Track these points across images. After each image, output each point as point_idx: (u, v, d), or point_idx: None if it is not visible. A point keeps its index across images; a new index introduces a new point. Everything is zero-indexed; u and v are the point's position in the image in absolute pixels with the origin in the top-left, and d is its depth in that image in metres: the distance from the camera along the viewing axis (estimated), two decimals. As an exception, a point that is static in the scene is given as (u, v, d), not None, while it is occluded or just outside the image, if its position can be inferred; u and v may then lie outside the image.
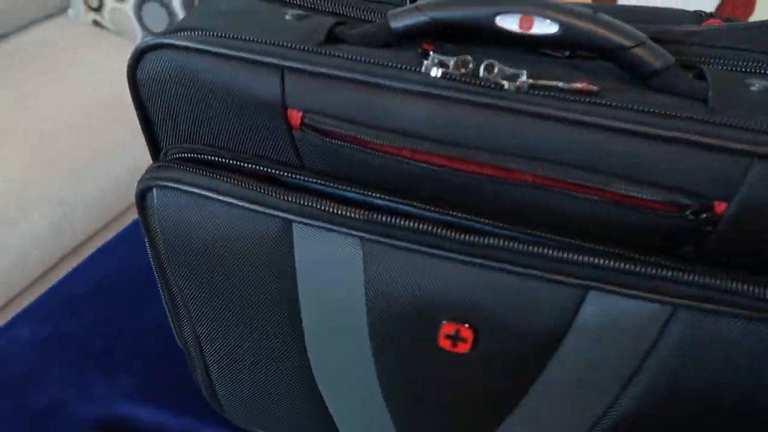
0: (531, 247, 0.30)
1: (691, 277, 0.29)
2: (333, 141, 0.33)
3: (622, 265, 0.29)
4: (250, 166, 0.36)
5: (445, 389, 0.35)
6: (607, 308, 0.29)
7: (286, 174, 0.36)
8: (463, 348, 0.32)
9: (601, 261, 0.30)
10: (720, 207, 0.29)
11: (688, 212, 0.29)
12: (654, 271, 0.29)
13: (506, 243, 0.30)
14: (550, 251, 0.30)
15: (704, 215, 0.29)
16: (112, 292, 0.65)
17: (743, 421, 0.31)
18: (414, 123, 0.32)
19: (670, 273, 0.29)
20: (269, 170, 0.36)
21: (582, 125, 0.30)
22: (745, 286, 0.28)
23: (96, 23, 1.60)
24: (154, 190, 0.36)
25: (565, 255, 0.30)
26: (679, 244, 0.31)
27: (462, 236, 0.31)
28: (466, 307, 0.32)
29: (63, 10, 1.64)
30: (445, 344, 0.33)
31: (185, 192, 0.35)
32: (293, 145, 0.35)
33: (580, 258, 0.30)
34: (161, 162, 0.37)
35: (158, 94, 0.36)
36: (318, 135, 0.33)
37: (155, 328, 0.62)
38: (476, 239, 0.31)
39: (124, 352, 0.60)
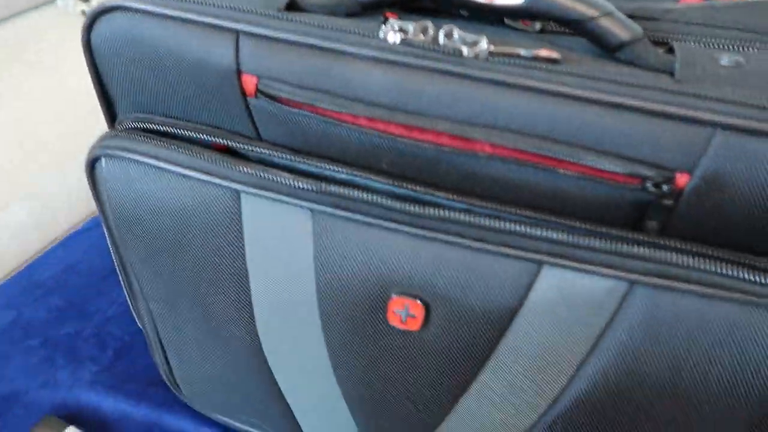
0: (483, 220, 0.29)
1: (647, 252, 0.28)
2: (288, 108, 0.32)
3: (576, 239, 0.28)
4: (204, 137, 0.35)
5: (397, 369, 0.34)
6: (562, 284, 0.28)
7: (241, 145, 0.35)
8: (414, 325, 0.31)
9: (555, 235, 0.28)
10: (682, 179, 0.28)
11: (648, 184, 0.28)
12: (609, 245, 0.28)
13: (458, 215, 0.29)
14: (503, 224, 0.29)
15: (665, 187, 0.28)
16: (79, 279, 0.64)
17: (699, 405, 0.30)
18: (371, 90, 0.31)
19: (625, 247, 0.28)
20: (224, 141, 0.35)
21: (542, 93, 0.29)
22: (705, 263, 0.27)
23: (85, 14, 1.59)
24: (103, 159, 0.34)
25: (518, 228, 0.29)
26: (642, 218, 0.30)
27: (413, 208, 0.30)
28: (416, 282, 0.30)
29: (51, 0, 1.63)
30: (395, 321, 0.32)
31: (134, 161, 0.34)
32: (248, 113, 0.34)
33: (533, 231, 0.29)
34: (114, 131, 0.36)
35: (112, 60, 0.35)
36: (272, 102, 0.32)
37: (121, 315, 0.60)
38: (427, 211, 0.30)
39: (90, 339, 0.59)
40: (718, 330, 0.28)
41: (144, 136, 0.34)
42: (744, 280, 0.27)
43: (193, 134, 0.35)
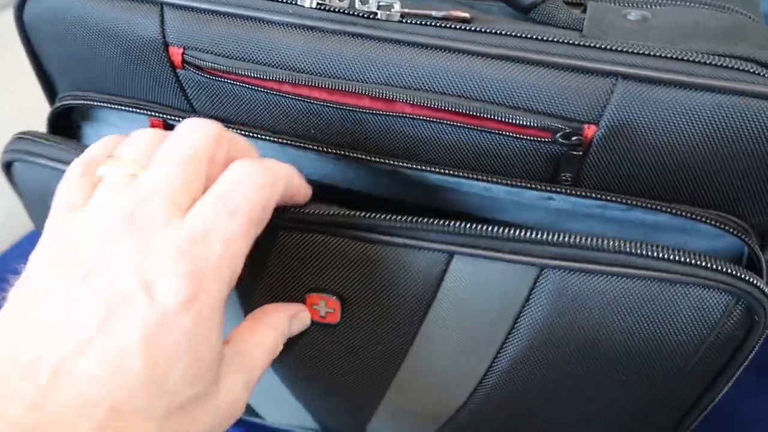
0: (391, 220, 0.29)
1: (553, 238, 0.28)
2: (214, 79, 0.33)
3: (483, 230, 0.29)
4: (139, 111, 0.36)
5: (327, 361, 0.35)
6: (473, 272, 0.29)
7: (176, 119, 0.36)
8: (333, 318, 0.32)
9: (463, 228, 0.29)
10: (590, 130, 0.30)
11: (558, 136, 0.30)
12: (516, 234, 0.28)
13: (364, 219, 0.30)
14: (411, 222, 0.29)
15: (575, 139, 0.30)
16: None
17: (617, 382, 0.31)
18: (292, 56, 0.32)
19: (531, 235, 0.28)
20: (159, 115, 0.36)
21: (454, 52, 0.30)
22: (612, 243, 0.28)
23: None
24: (16, 163, 0.35)
25: (425, 224, 0.29)
26: (556, 171, 0.32)
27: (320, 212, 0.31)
28: (330, 277, 0.31)
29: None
30: (315, 316, 0.32)
31: (46, 167, 0.34)
32: (179, 85, 0.35)
33: (441, 227, 0.29)
34: (21, 135, 0.36)
35: (45, 37, 0.36)
36: (199, 73, 0.33)
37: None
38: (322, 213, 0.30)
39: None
40: (629, 307, 0.29)
41: (50, 141, 0.34)
42: (651, 257, 0.28)
43: (127, 109, 0.36)
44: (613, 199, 0.31)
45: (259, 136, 0.34)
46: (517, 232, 0.29)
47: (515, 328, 0.31)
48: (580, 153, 0.30)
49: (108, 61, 0.35)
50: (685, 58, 0.28)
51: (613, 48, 0.29)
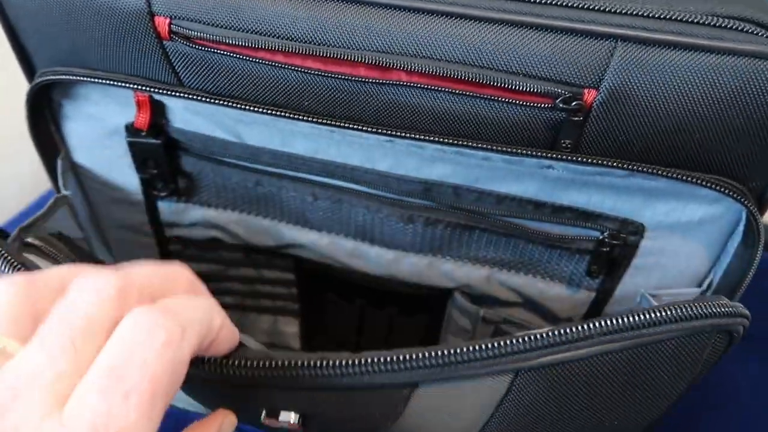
0: (341, 366, 0.27)
1: (526, 343, 0.26)
2: (203, 49, 0.32)
3: (446, 357, 0.26)
4: (124, 85, 0.35)
5: None
6: (442, 393, 0.28)
7: (162, 92, 0.34)
8: (295, 428, 0.30)
9: (425, 359, 0.26)
10: (590, 95, 0.29)
11: (558, 101, 0.29)
12: (480, 349, 0.26)
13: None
14: (364, 365, 0.27)
15: (575, 104, 0.29)
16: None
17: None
18: (284, 24, 0.31)
19: (494, 345, 0.26)
20: (145, 89, 0.34)
21: (450, 16, 0.29)
22: (597, 327, 0.26)
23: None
24: None
25: (382, 363, 0.27)
26: (556, 138, 0.31)
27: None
28: (284, 405, 0.29)
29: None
30: (274, 424, 0.29)
31: None
32: (166, 58, 0.33)
33: (402, 362, 0.27)
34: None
35: (24, 10, 0.34)
36: (187, 43, 0.32)
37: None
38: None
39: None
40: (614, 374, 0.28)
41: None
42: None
43: (111, 83, 0.35)
44: (615, 164, 0.30)
45: (249, 108, 0.33)
46: (479, 347, 0.26)
47: (497, 411, 0.29)
48: (580, 118, 0.30)
49: (89, 34, 0.34)
50: (683, 19, 0.28)
51: (612, 10, 0.29)
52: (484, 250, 0.41)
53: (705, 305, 0.26)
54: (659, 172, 0.30)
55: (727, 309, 0.27)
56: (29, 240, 0.32)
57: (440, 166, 0.36)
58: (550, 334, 0.26)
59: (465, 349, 0.26)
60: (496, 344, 0.26)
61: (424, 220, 0.39)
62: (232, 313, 0.54)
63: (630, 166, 0.30)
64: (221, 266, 0.50)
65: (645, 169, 0.30)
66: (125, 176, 0.43)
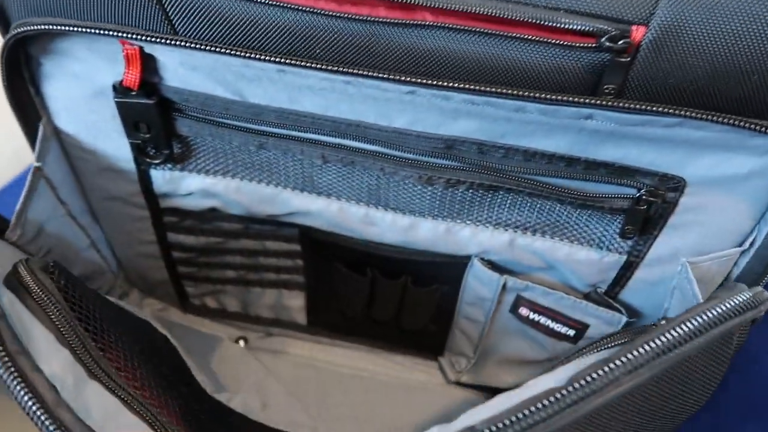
0: None
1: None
2: (202, -11, 0.28)
3: None
4: (112, 33, 0.31)
5: None
6: None
7: (155, 42, 0.31)
8: None
9: None
10: (639, 33, 0.26)
11: (603, 40, 0.26)
12: None
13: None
14: None
15: (622, 42, 0.26)
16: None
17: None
18: (293, -41, 0.27)
19: None
20: (135, 37, 0.31)
21: (483, -54, 0.26)
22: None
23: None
24: None
25: None
26: (598, 83, 0.28)
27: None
28: None
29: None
30: None
31: None
32: (159, 3, 0.30)
33: None
34: None
35: (-8, -49, 0.30)
36: (183, -18, 0.28)
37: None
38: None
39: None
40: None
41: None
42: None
43: (98, 32, 0.31)
44: (666, 111, 0.28)
45: (255, 57, 0.30)
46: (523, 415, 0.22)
47: None
48: (627, 59, 0.27)
49: (71, -23, 0.30)
50: (746, -56, 0.25)
51: (665, -65, 0.25)
52: (508, 212, 0.38)
53: (730, 307, 0.25)
54: (714, 118, 0.28)
55: (752, 301, 0.26)
56: (23, 274, 0.28)
57: (464, 122, 0.32)
58: (591, 378, 0.22)
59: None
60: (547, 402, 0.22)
61: (445, 181, 0.36)
62: (234, 288, 0.51)
63: (682, 113, 0.28)
64: (220, 238, 0.46)
65: (698, 116, 0.28)
66: (114, 142, 0.39)
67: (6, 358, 0.22)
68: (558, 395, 0.22)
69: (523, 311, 0.44)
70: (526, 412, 0.21)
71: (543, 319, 0.44)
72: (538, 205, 0.37)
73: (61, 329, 0.25)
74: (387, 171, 0.36)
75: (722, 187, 0.33)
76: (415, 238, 0.41)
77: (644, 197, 0.34)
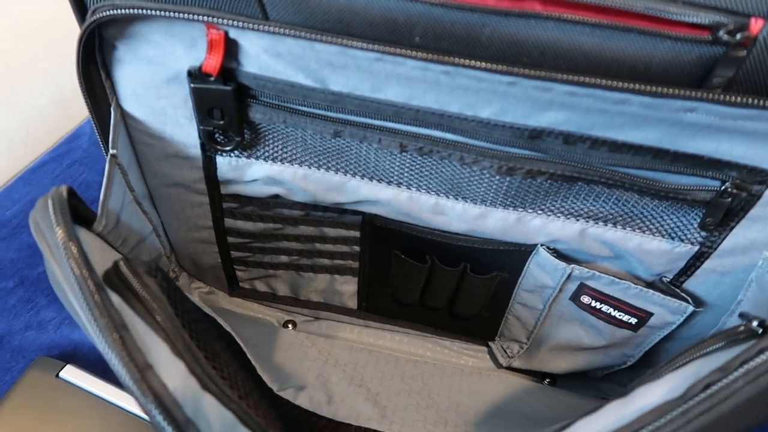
0: None
1: None
2: (303, -25, 0.27)
3: None
4: (200, 17, 0.30)
5: None
6: None
7: (246, 26, 0.30)
8: None
9: None
10: (757, 25, 0.26)
11: (721, 32, 0.26)
12: None
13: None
14: None
15: (739, 35, 0.26)
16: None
17: None
18: (402, -55, 0.26)
19: None
20: (224, 21, 0.30)
21: (603, -65, 0.25)
22: None
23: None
24: None
25: None
26: (707, 76, 0.28)
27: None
28: None
29: None
30: None
31: None
32: (254, -13, 0.29)
33: None
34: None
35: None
36: (285, -32, 0.27)
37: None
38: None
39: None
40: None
41: None
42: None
43: (183, 16, 0.30)
44: (778, 105, 0.27)
45: (354, 45, 0.29)
46: None
47: None
48: (743, 53, 0.26)
49: (160, -40, 0.29)
50: None
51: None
52: (583, 202, 0.38)
53: None
54: (824, 113, 0.27)
55: None
56: (127, 276, 0.27)
57: (553, 113, 0.32)
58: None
59: None
60: None
61: (525, 172, 0.36)
62: (285, 273, 0.51)
63: (793, 108, 0.27)
64: (279, 225, 0.46)
65: (808, 111, 0.27)
66: (182, 128, 0.38)
67: (138, 374, 0.21)
68: (684, 406, 0.22)
69: (585, 299, 0.44)
70: (657, 424, 0.22)
71: (605, 307, 0.44)
72: (615, 196, 0.37)
73: (173, 338, 0.24)
74: (466, 161, 0.36)
75: (810, 180, 0.32)
76: (483, 227, 0.41)
77: (729, 190, 0.34)
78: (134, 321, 0.25)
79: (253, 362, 0.40)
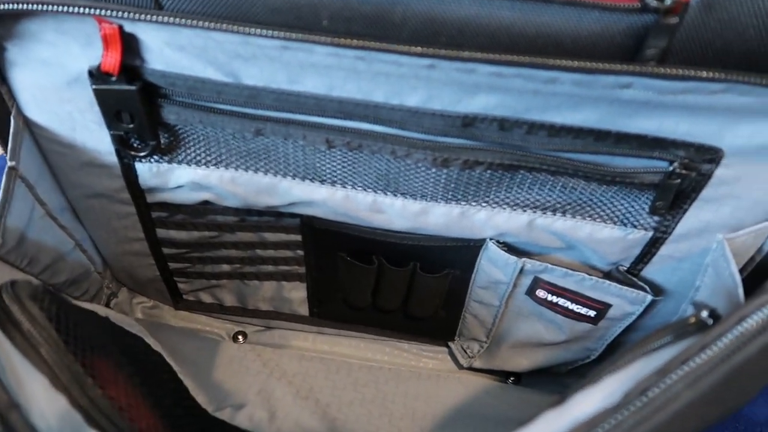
0: None
1: None
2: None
3: None
4: (89, 12, 0.27)
5: None
6: None
7: (139, 17, 0.27)
8: None
9: None
10: (688, -10, 0.24)
11: (650, -1, 0.23)
12: None
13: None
14: None
15: (669, 1, 0.24)
16: None
17: None
18: None
19: None
20: (117, 15, 0.27)
21: None
22: None
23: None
24: None
25: None
26: (639, 48, 0.25)
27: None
28: None
29: None
30: None
31: None
32: (139, -27, 0.26)
33: None
34: None
35: None
36: (168, -51, 0.24)
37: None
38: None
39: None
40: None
41: None
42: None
43: (68, 10, 0.27)
44: (715, 76, 0.25)
45: (257, 33, 0.26)
46: None
47: None
48: (675, 20, 0.24)
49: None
50: None
51: None
52: (527, 192, 0.36)
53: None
54: (766, 82, 0.25)
55: None
56: (8, 304, 0.24)
57: (484, 97, 0.30)
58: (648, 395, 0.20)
59: None
60: None
61: (462, 162, 0.33)
62: (229, 283, 0.48)
63: (732, 77, 0.25)
64: (214, 232, 0.43)
65: (749, 80, 0.25)
66: (93, 134, 0.35)
67: None
68: (618, 416, 0.20)
69: (541, 293, 0.42)
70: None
71: (562, 301, 0.42)
72: (560, 184, 0.35)
73: (56, 370, 0.22)
74: (398, 154, 0.33)
75: (761, 156, 0.30)
76: (426, 223, 0.38)
77: (677, 170, 0.31)
78: (11, 354, 0.22)
79: (186, 382, 0.38)
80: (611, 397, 0.20)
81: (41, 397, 0.20)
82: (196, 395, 0.38)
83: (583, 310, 0.41)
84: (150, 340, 0.38)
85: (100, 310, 0.36)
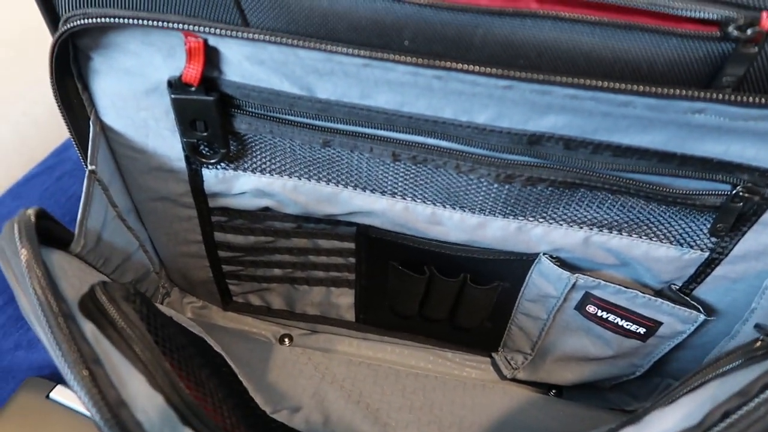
0: None
1: None
2: (283, -22, 0.26)
3: None
4: (177, 26, 0.28)
5: None
6: None
7: (226, 32, 0.28)
8: None
9: None
10: (769, 20, 0.24)
11: (731, 27, 0.24)
12: None
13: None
14: None
15: (750, 31, 0.24)
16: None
17: None
18: (386, -57, 0.25)
19: None
20: (203, 29, 0.28)
21: (601, -74, 0.24)
22: None
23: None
24: None
25: None
26: (715, 75, 0.26)
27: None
28: None
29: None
30: None
31: None
32: (232, -8, 0.27)
33: None
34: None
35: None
36: (263, -29, 0.26)
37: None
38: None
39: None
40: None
41: None
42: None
43: (159, 25, 0.28)
44: (793, 104, 0.25)
45: (340, 51, 0.27)
46: None
47: None
48: (754, 50, 0.25)
49: (132, -34, 0.27)
50: None
51: None
52: (586, 210, 0.36)
53: None
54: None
55: None
56: (103, 302, 0.25)
57: (553, 117, 0.30)
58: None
59: None
60: None
61: (525, 179, 0.34)
62: (279, 286, 0.49)
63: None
64: (270, 237, 0.44)
65: (826, 110, 0.25)
66: (165, 141, 0.37)
67: (109, 413, 0.20)
68: None
69: (591, 309, 0.42)
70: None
71: (612, 317, 0.42)
72: (620, 203, 0.35)
73: (151, 369, 0.23)
74: (462, 169, 0.34)
75: (826, 182, 0.31)
76: (482, 237, 0.39)
77: (741, 193, 0.32)
78: (110, 352, 0.23)
79: (245, 383, 0.39)
80: (690, 417, 0.21)
81: (143, 395, 0.22)
82: (254, 396, 0.39)
83: (633, 327, 0.42)
84: (211, 342, 0.39)
85: (165, 310, 0.37)
